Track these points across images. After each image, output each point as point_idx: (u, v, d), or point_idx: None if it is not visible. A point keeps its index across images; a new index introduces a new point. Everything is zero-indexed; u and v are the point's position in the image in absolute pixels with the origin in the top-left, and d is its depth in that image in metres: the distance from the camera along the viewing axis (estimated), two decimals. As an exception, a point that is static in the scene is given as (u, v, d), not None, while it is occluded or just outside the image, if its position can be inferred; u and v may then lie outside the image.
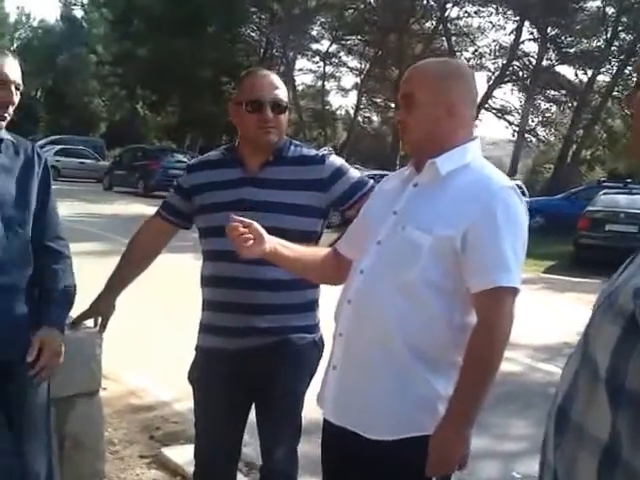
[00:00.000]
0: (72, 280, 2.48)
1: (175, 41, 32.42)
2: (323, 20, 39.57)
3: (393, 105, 32.34)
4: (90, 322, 2.71)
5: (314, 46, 41.41)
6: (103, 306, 2.67)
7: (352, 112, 42.09)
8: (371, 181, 2.56)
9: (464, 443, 1.84)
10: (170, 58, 32.81)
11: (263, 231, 2.02)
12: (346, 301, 1.99)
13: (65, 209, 16.80)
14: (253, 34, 40.83)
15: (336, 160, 2.58)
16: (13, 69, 2.36)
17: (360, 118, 42.38)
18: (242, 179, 2.50)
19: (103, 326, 2.70)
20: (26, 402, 2.34)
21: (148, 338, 6.31)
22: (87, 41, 50.89)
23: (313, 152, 2.59)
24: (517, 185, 2.01)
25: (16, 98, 2.37)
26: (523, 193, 15.49)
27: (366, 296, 1.94)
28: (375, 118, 44.46)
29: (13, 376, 2.29)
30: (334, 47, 40.94)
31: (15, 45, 60.22)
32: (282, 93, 2.51)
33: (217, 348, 2.53)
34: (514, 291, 1.81)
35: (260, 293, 2.44)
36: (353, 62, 41.47)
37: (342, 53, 41.58)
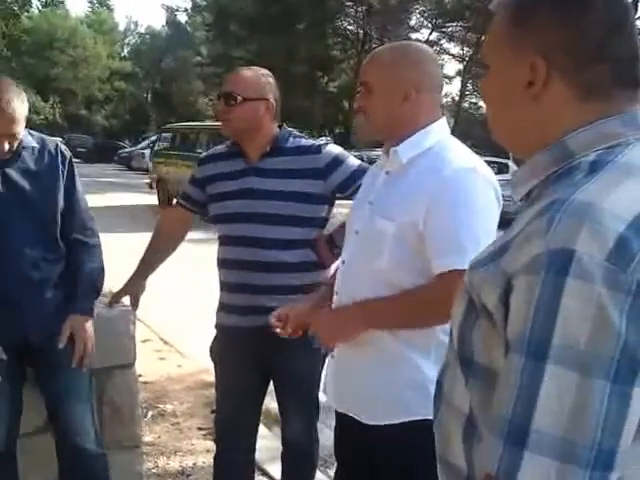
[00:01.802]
0: (98, 267, 2.69)
1: (268, 39, 32.94)
2: (422, 9, 39.07)
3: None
4: (126, 300, 2.94)
5: (413, 35, 40.89)
6: (134, 287, 2.88)
7: (457, 99, 41.46)
8: (371, 167, 2.62)
9: (354, 333, 1.93)
10: (264, 56, 33.35)
11: (309, 307, 2.18)
12: (334, 292, 2.07)
13: (173, 201, 17.44)
14: (350, 27, 40.82)
15: (333, 149, 2.67)
16: (8, 100, 2.38)
17: (466, 104, 41.66)
18: (245, 169, 2.66)
19: (135, 305, 2.92)
20: (68, 374, 2.57)
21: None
22: (191, 44, 52.49)
23: (310, 142, 2.70)
24: (497, 162, 1.97)
25: (6, 147, 2.43)
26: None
27: (346, 286, 2.02)
28: (482, 104, 43.47)
29: (54, 356, 2.53)
30: (434, 35, 40.35)
31: (125, 51, 62.91)
32: (240, 86, 2.59)
33: (231, 326, 2.71)
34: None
35: (268, 275, 2.59)
36: (455, 49, 40.77)
37: (443, 41, 40.93)
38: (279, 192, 2.59)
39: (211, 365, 5.30)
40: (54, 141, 2.69)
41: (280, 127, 2.70)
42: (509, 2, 1.09)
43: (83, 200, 2.72)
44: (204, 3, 46.53)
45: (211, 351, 2.85)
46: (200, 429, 4.24)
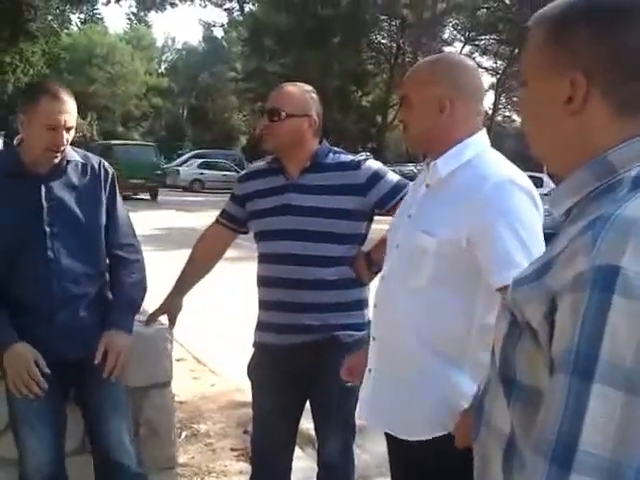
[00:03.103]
0: (138, 284, 2.68)
1: (303, 54, 33.22)
2: (455, 22, 39.15)
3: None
4: (163, 319, 2.94)
5: (446, 49, 40.93)
6: (172, 305, 2.88)
7: (490, 112, 41.33)
8: (410, 183, 2.58)
9: None
10: (298, 71, 33.60)
11: None
12: (373, 305, 2.09)
13: (207, 219, 17.72)
14: (383, 41, 40.99)
15: (373, 165, 2.65)
16: (66, 112, 2.46)
17: (500, 117, 41.53)
18: (285, 186, 2.65)
19: (172, 323, 2.92)
20: (106, 391, 2.56)
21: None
22: (227, 59, 53.10)
23: (350, 158, 2.68)
24: (532, 177, 1.96)
25: (64, 140, 2.48)
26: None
27: (386, 300, 2.01)
28: (516, 117, 43.46)
29: (91, 371, 2.52)
30: (467, 48, 40.40)
31: (162, 67, 63.87)
32: (285, 103, 2.60)
33: (269, 344, 2.69)
34: None
35: (307, 292, 2.56)
36: (488, 62, 40.73)
37: (476, 54, 40.91)
38: (319, 208, 2.57)
39: (243, 384, 5.37)
40: (97, 158, 2.72)
41: (320, 143, 2.69)
42: (548, 18, 1.10)
43: (124, 216, 2.73)
44: (240, 18, 47.05)
45: (248, 369, 2.83)
46: (233, 450, 4.21)
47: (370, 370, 2.06)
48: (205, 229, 2.98)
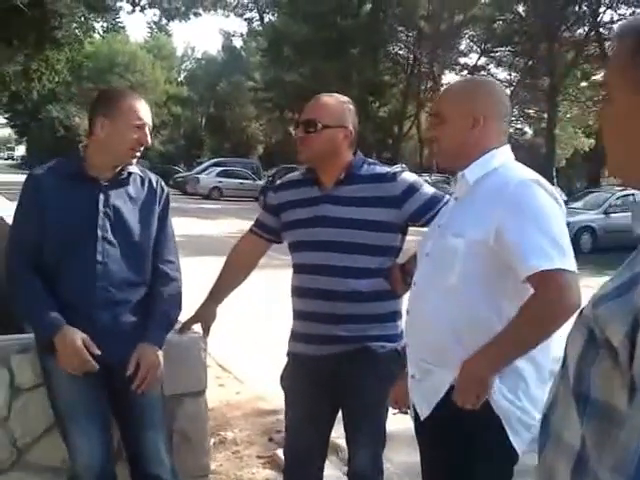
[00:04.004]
0: (175, 302, 2.73)
1: (321, 64, 33.32)
2: (471, 34, 39.16)
3: (546, 115, 31.27)
4: (197, 327, 2.96)
5: (462, 60, 41.03)
6: (206, 313, 2.90)
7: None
8: (446, 196, 2.61)
9: (487, 382, 1.92)
10: (317, 81, 33.70)
11: None
12: (406, 312, 2.18)
13: (226, 226, 18.00)
14: (400, 52, 41.04)
15: (408, 177, 2.66)
16: (147, 112, 2.65)
17: (512, 130, 41.38)
18: (319, 197, 2.67)
19: (206, 331, 2.94)
20: (142, 400, 2.60)
21: (284, 345, 6.67)
22: (245, 69, 53.31)
23: (385, 170, 2.69)
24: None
25: (149, 138, 2.65)
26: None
27: (418, 305, 2.10)
28: (528, 129, 43.39)
29: (124, 376, 2.56)
30: (483, 60, 40.36)
31: (182, 76, 64.18)
32: (322, 114, 2.62)
33: (302, 354, 2.73)
34: (562, 272, 1.84)
35: (341, 303, 2.59)
36: (502, 74, 40.62)
37: (491, 65, 40.87)
38: (353, 220, 2.59)
39: (267, 392, 5.45)
40: (155, 175, 2.83)
41: (354, 154, 2.71)
42: (630, 32, 1.08)
43: (171, 234, 2.80)
44: (259, 28, 47.32)
45: (281, 379, 2.86)
46: (259, 457, 4.25)
47: (413, 376, 2.13)
48: (240, 238, 3.01)
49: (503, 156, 2.10)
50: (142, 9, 18.91)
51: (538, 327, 1.88)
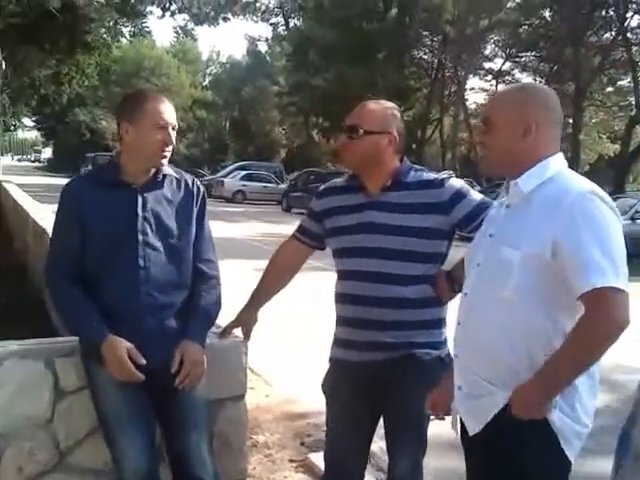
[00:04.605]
0: (215, 300, 2.74)
1: (347, 69, 33.36)
2: (496, 38, 39.00)
3: (571, 120, 31.02)
4: (238, 331, 2.97)
5: (487, 65, 40.90)
6: (247, 317, 2.92)
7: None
8: (494, 202, 2.54)
9: (545, 407, 1.90)
10: (342, 85, 33.75)
11: None
12: (457, 323, 2.14)
13: (248, 229, 18.09)
14: (425, 57, 40.98)
15: (456, 183, 2.64)
16: (171, 113, 2.63)
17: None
18: (365, 203, 2.65)
19: (247, 336, 2.95)
20: (186, 401, 2.62)
21: (310, 349, 6.68)
22: (269, 73, 53.52)
23: (433, 176, 2.67)
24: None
25: (174, 139, 2.64)
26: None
27: (470, 317, 2.07)
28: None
29: (170, 381, 2.57)
30: (507, 64, 40.23)
31: (207, 80, 64.59)
32: (366, 120, 2.62)
33: (344, 360, 2.71)
34: (615, 291, 1.81)
35: (387, 310, 2.58)
36: (527, 79, 40.37)
37: (516, 70, 40.71)
38: (400, 227, 2.58)
39: (297, 396, 5.46)
40: (191, 176, 2.82)
41: (401, 160, 2.70)
42: None
43: (209, 233, 2.81)
44: (285, 33, 47.51)
45: (323, 384, 2.85)
46: (292, 461, 4.24)
47: (460, 387, 2.12)
48: (282, 243, 3.00)
49: (557, 164, 2.04)
50: (172, 14, 19.07)
51: (592, 346, 1.85)
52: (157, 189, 2.66)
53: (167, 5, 18.00)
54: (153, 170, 2.65)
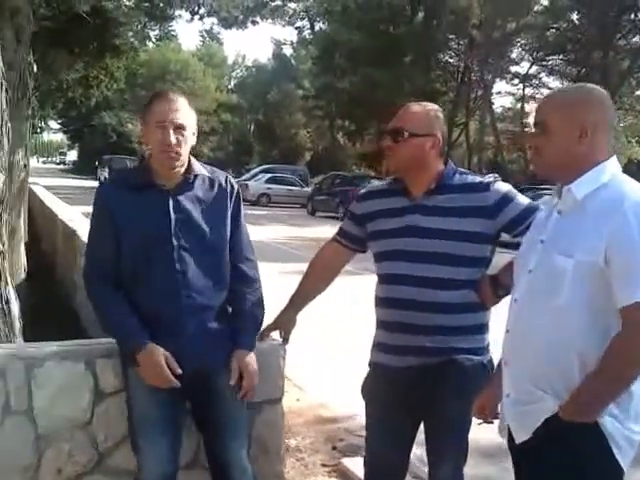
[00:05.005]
0: (259, 300, 2.73)
1: (373, 72, 33.35)
2: (523, 42, 38.78)
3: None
4: (276, 334, 2.97)
5: (513, 68, 40.65)
6: (286, 320, 2.91)
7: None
8: (540, 206, 2.51)
9: (595, 415, 1.88)
10: (368, 89, 33.74)
11: None
12: (506, 330, 2.10)
13: (273, 232, 18.12)
14: (451, 60, 40.84)
15: (502, 187, 2.61)
16: (172, 111, 2.52)
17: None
18: (408, 207, 2.62)
19: (286, 339, 2.95)
20: (229, 406, 2.61)
21: (341, 353, 6.66)
22: (295, 77, 53.65)
23: (478, 179, 2.64)
24: None
25: (173, 138, 2.50)
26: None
27: (521, 324, 2.04)
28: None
29: (212, 383, 2.58)
30: (534, 68, 39.95)
31: (232, 84, 64.91)
32: (410, 122, 2.59)
33: (385, 365, 2.68)
34: None
35: (429, 315, 2.55)
36: (554, 82, 40.10)
37: (543, 74, 40.44)
38: (444, 231, 2.55)
39: (327, 400, 5.43)
40: (224, 173, 2.78)
41: (445, 163, 2.67)
42: None
43: (246, 231, 2.77)
44: (310, 36, 47.61)
45: (363, 389, 2.82)
46: (324, 465, 4.23)
47: (508, 395, 2.09)
48: (323, 246, 2.99)
49: (613, 168, 2.00)
50: (201, 17, 19.16)
51: (631, 362, 1.83)
52: (189, 190, 2.62)
53: (196, 9, 18.10)
54: (182, 170, 2.60)
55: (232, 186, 2.72)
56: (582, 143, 1.97)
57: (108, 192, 2.65)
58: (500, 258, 2.67)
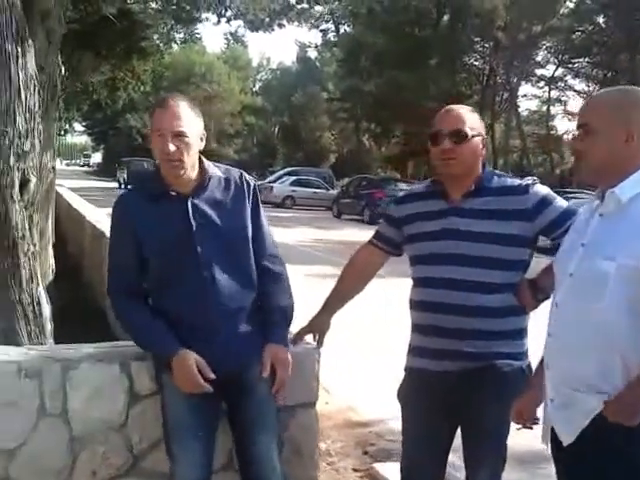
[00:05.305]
0: (288, 297, 2.71)
1: (399, 75, 33.30)
2: (549, 45, 38.57)
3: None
4: (310, 338, 2.94)
5: (539, 71, 40.45)
6: (320, 324, 2.89)
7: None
8: (579, 210, 2.48)
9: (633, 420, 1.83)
10: (394, 91, 33.68)
11: None
12: (547, 334, 2.07)
13: (299, 235, 18.12)
14: (476, 63, 40.69)
15: (541, 190, 2.57)
16: (171, 119, 2.48)
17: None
18: (446, 210, 2.60)
19: (320, 342, 2.93)
20: (260, 404, 2.60)
21: (371, 356, 6.63)
22: (319, 79, 53.77)
23: (517, 182, 2.60)
24: None
25: (171, 146, 2.46)
26: None
27: (563, 328, 2.01)
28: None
29: (244, 380, 2.57)
30: (560, 71, 39.70)
31: (257, 86, 65.22)
32: (466, 124, 2.55)
33: (422, 369, 2.65)
34: None
35: (467, 319, 2.51)
36: (580, 85, 39.91)
37: (568, 77, 40.19)
38: (483, 233, 2.52)
39: (356, 403, 5.40)
40: (238, 170, 2.75)
41: (483, 166, 2.64)
42: None
43: (267, 227, 2.74)
44: (335, 39, 47.69)
45: (398, 394, 2.79)
46: (356, 470, 4.21)
47: (552, 400, 2.05)
48: (358, 249, 2.96)
49: None
50: (228, 20, 19.22)
51: None
52: (205, 193, 2.58)
53: (223, 11, 18.16)
54: (194, 174, 2.57)
55: (248, 183, 2.69)
56: (629, 146, 1.95)
57: (126, 203, 2.63)
58: (535, 263, 2.63)
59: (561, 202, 2.58)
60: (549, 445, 2.12)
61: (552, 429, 2.08)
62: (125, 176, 40.93)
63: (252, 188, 2.69)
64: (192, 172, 2.56)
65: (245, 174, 2.74)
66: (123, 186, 39.60)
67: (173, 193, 2.56)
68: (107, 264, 2.66)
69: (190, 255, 2.52)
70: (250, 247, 2.64)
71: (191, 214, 2.54)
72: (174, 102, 2.51)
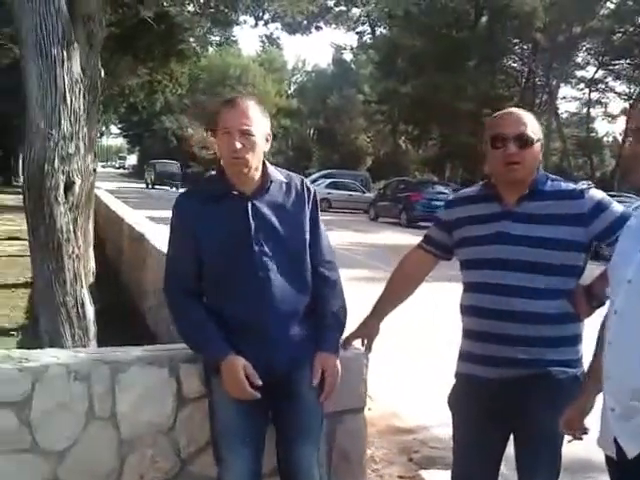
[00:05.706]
0: (342, 303, 2.69)
1: (437, 77, 33.17)
2: (589, 46, 38.13)
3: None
4: (358, 343, 2.90)
5: (579, 73, 40.02)
6: (369, 329, 2.85)
7: (620, 138, 40.00)
8: (633, 214, 2.44)
9: None
10: (431, 93, 33.55)
11: None
12: (607, 342, 2.01)
13: (336, 238, 17.90)
14: (515, 65, 40.40)
15: (596, 194, 2.52)
16: (237, 117, 2.50)
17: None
18: (500, 213, 2.54)
19: (369, 347, 2.88)
20: (307, 409, 2.57)
21: (416, 362, 6.57)
22: (355, 81, 53.77)
23: (572, 186, 2.55)
24: None
25: (238, 144, 2.47)
26: None
27: (623, 336, 1.95)
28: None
29: (294, 385, 2.56)
30: (600, 73, 39.23)
31: (292, 89, 65.45)
32: (528, 127, 2.50)
33: (473, 376, 2.60)
34: None
35: (521, 325, 2.46)
36: (621, 87, 39.39)
37: (609, 78, 39.70)
38: (537, 238, 2.47)
39: (399, 409, 5.33)
40: (299, 176, 2.75)
41: (537, 169, 2.58)
42: None
43: (325, 234, 2.74)
44: (370, 41, 47.67)
45: (449, 401, 2.74)
46: (401, 477, 4.14)
47: (613, 409, 1.99)
48: (407, 253, 2.92)
49: None
50: (265, 23, 19.28)
51: None
52: (266, 196, 2.59)
53: (260, 14, 18.21)
54: (257, 176, 2.57)
55: (308, 189, 2.69)
56: None
57: (186, 204, 2.63)
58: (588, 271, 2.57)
59: (617, 207, 2.52)
60: (614, 455, 2.02)
61: (615, 440, 2.00)
62: (152, 177, 46.34)
63: (312, 194, 2.70)
64: (256, 173, 2.57)
65: (306, 180, 2.76)
66: (150, 186, 46.83)
67: (235, 192, 2.56)
68: (165, 264, 2.67)
69: (247, 255, 2.52)
70: (307, 252, 2.64)
71: (251, 214, 2.54)
72: (242, 101, 2.53)
